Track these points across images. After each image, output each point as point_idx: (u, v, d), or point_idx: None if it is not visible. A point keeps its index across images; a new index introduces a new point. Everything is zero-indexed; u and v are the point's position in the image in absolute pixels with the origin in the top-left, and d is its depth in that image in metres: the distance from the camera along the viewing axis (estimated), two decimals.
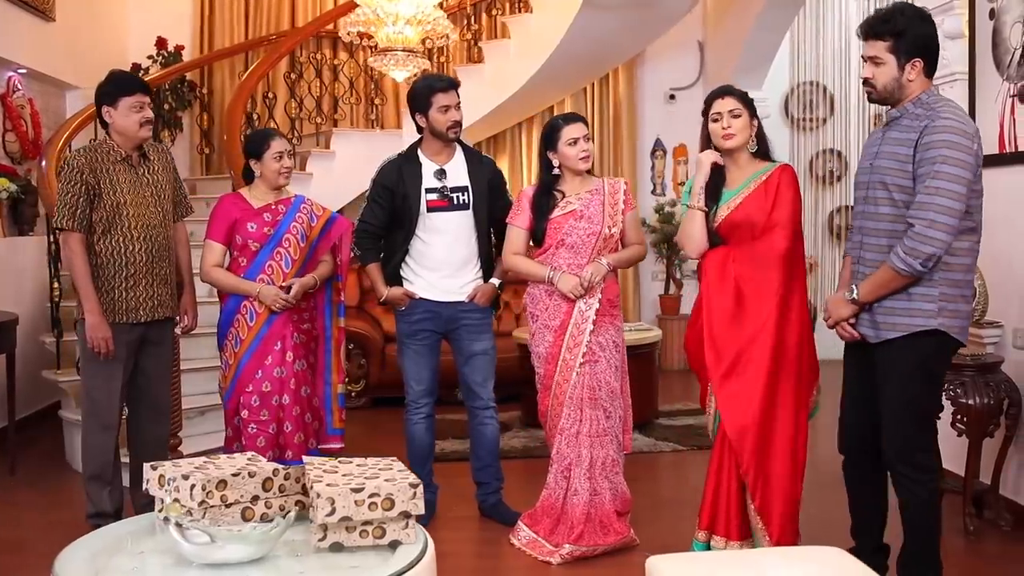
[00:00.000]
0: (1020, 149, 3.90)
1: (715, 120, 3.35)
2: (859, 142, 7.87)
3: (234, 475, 2.24)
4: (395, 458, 2.42)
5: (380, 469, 2.31)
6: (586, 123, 3.85)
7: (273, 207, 3.93)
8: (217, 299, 4.09)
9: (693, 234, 3.39)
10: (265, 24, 8.23)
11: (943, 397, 3.62)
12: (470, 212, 4.02)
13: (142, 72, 7.42)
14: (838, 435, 3.31)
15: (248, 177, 4.00)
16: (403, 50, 6.24)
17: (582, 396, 3.71)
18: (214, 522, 2.18)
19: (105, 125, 3.82)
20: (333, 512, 2.10)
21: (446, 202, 3.99)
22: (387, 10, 6.05)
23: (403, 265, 4.05)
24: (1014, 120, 3.93)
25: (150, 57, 7.77)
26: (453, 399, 4.89)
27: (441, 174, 4.00)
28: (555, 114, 5.81)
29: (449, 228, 4.00)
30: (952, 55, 4.24)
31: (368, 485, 2.14)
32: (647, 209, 8.01)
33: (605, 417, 3.74)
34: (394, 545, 2.16)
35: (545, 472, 3.85)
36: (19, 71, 6.25)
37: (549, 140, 3.80)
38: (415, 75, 6.30)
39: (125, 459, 4.03)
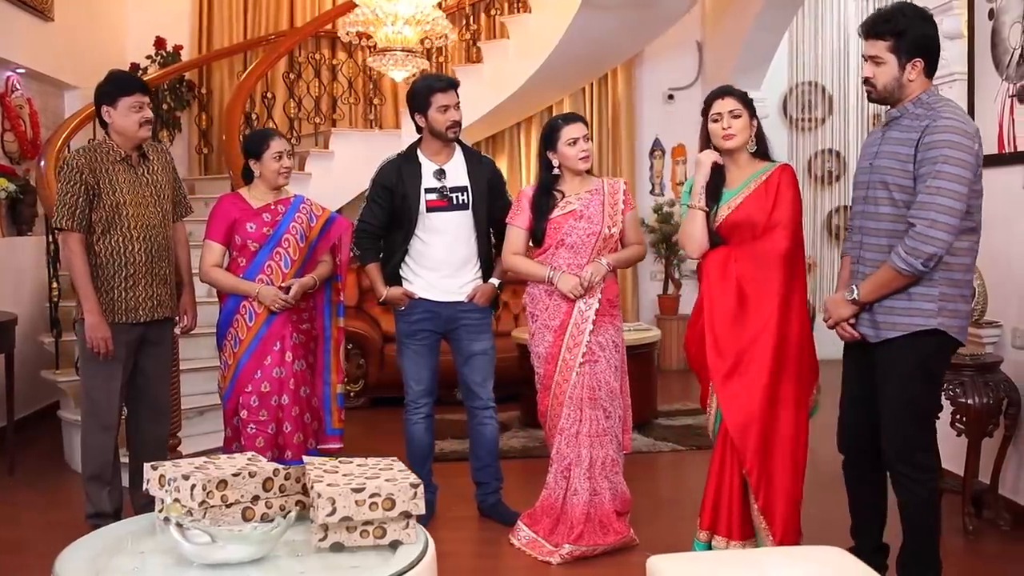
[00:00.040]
0: (1019, 149, 3.91)
1: (715, 120, 3.35)
2: (858, 142, 7.87)
3: (234, 475, 2.24)
4: (395, 458, 2.43)
5: (381, 469, 2.31)
6: (586, 123, 3.86)
7: (272, 207, 3.93)
8: (216, 299, 4.08)
9: (694, 234, 3.38)
10: (264, 24, 8.23)
11: (942, 397, 3.62)
12: (469, 212, 4.02)
13: (140, 72, 7.41)
14: (837, 435, 3.31)
15: (247, 177, 4.00)
16: (402, 50, 6.24)
17: (582, 396, 3.71)
18: (215, 522, 2.18)
19: (104, 125, 3.82)
20: (334, 512, 2.10)
21: (445, 202, 3.99)
22: (386, 10, 6.05)
23: (402, 265, 4.05)
24: (1013, 120, 3.94)
25: (149, 57, 7.77)
26: (452, 399, 4.89)
27: (440, 174, 4.00)
28: (554, 114, 5.82)
29: (448, 228, 4.00)
30: (951, 55, 4.24)
31: (369, 485, 2.14)
32: (645, 209, 8.01)
33: (605, 417, 3.74)
34: (395, 545, 2.16)
35: (544, 472, 3.85)
36: (18, 71, 6.24)
37: (549, 140, 3.80)
38: (414, 75, 6.30)
39: (124, 459, 4.02)
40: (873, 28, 3.00)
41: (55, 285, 5.19)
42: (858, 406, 3.21)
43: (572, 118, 3.83)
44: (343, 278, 4.14)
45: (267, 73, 7.14)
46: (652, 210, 8.11)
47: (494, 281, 4.08)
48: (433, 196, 3.98)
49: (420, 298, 4.02)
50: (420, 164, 4.01)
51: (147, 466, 2.35)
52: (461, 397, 4.23)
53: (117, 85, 3.78)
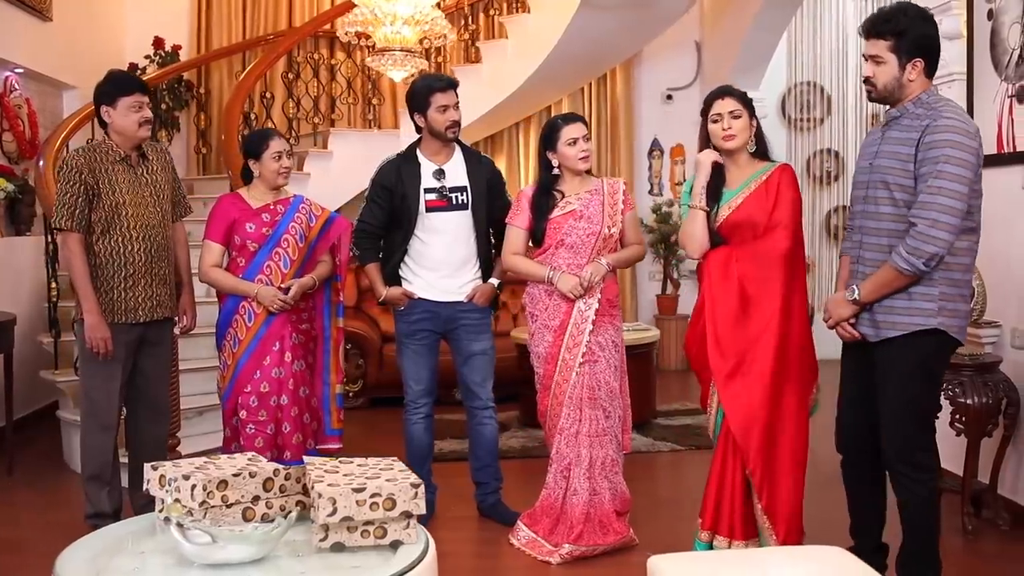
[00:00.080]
0: (1018, 149, 3.91)
1: (715, 121, 3.35)
2: (856, 142, 7.88)
3: (235, 475, 2.24)
4: (396, 458, 2.43)
5: (381, 469, 2.31)
6: (586, 123, 3.86)
7: (272, 207, 3.93)
8: (216, 299, 4.08)
9: (695, 234, 3.38)
10: (263, 24, 8.22)
11: (941, 397, 3.63)
12: (469, 212, 4.02)
13: (139, 72, 7.40)
14: (835, 435, 3.31)
15: (247, 177, 3.99)
16: (401, 50, 6.24)
17: (581, 396, 3.71)
18: (215, 522, 2.18)
19: (104, 125, 3.82)
20: (335, 512, 2.10)
21: (445, 202, 3.99)
22: (385, 10, 6.05)
23: (402, 265, 4.05)
24: (1012, 120, 3.94)
25: (147, 57, 7.76)
26: (452, 399, 4.89)
27: (440, 174, 4.00)
28: (553, 114, 5.82)
29: (448, 228, 4.00)
30: (950, 55, 4.24)
31: (369, 485, 2.14)
32: (644, 209, 8.00)
33: (604, 417, 3.74)
34: (395, 545, 2.16)
35: (543, 472, 3.85)
36: (16, 71, 6.23)
37: (548, 140, 3.81)
38: (413, 75, 6.29)
39: (124, 459, 4.02)
40: (874, 27, 3.00)
41: (54, 285, 5.19)
42: (856, 406, 3.21)
43: (572, 118, 3.83)
44: (342, 278, 4.13)
45: (266, 73, 7.13)
46: (651, 210, 8.11)
47: (493, 281, 4.08)
48: (432, 196, 3.98)
49: (419, 298, 4.01)
50: (419, 164, 4.01)
51: (147, 466, 2.35)
52: (460, 397, 4.22)
53: (116, 85, 3.78)
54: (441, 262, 4.01)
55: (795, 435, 3.26)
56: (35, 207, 5.97)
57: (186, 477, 2.21)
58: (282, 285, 3.85)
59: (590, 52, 7.09)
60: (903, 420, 3.00)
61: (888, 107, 3.10)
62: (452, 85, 4.01)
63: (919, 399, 3.03)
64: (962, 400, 3.84)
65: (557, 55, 6.76)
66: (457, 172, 4.04)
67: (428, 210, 3.97)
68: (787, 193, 3.28)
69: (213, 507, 2.20)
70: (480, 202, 4.04)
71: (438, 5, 6.40)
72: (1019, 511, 3.96)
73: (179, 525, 2.09)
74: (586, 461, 3.71)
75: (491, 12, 7.89)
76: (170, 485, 2.25)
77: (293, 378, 3.89)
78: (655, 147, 8.46)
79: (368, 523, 2.14)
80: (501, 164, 7.90)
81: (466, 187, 4.02)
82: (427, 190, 3.98)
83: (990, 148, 3.93)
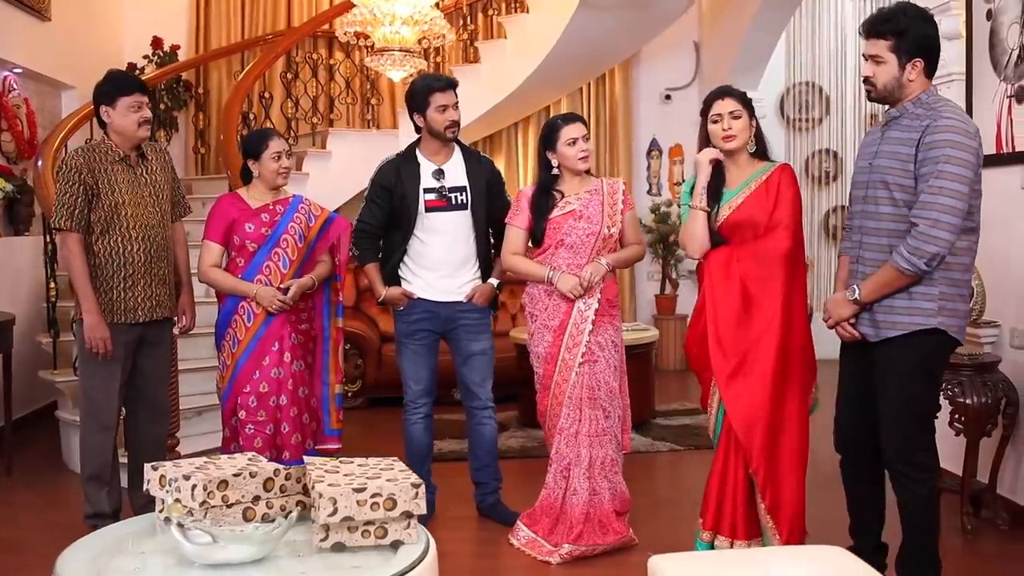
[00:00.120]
0: (1017, 149, 3.92)
1: (715, 121, 3.35)
2: (855, 142, 7.88)
3: (235, 475, 2.24)
4: (396, 458, 2.42)
5: (382, 469, 2.31)
6: (585, 123, 3.86)
7: (271, 207, 3.92)
8: (215, 299, 4.08)
9: (696, 234, 3.38)
10: (261, 24, 8.22)
11: (941, 397, 3.63)
12: (468, 212, 4.02)
13: (138, 72, 7.39)
14: (834, 434, 3.31)
15: (246, 177, 3.99)
16: (400, 50, 6.25)
17: (581, 396, 3.71)
18: (215, 522, 2.18)
19: (103, 125, 3.82)
20: (335, 512, 2.10)
21: (444, 202, 3.99)
22: (384, 10, 6.05)
23: (401, 265, 4.05)
24: (1011, 120, 3.94)
25: (146, 57, 7.76)
26: (451, 399, 4.89)
27: (439, 174, 4.00)
28: (552, 114, 5.82)
29: (447, 228, 4.00)
30: (949, 55, 4.24)
31: (370, 485, 2.14)
32: (643, 209, 8.00)
33: (604, 417, 3.74)
34: (396, 545, 2.16)
35: (543, 472, 3.85)
36: (15, 71, 6.23)
37: (548, 140, 3.81)
38: (411, 75, 6.29)
39: (123, 459, 4.02)
40: (874, 27, 3.00)
41: (53, 285, 5.18)
42: (855, 406, 3.21)
43: (571, 118, 3.83)
44: (342, 278, 4.13)
45: (264, 73, 7.14)
46: (649, 210, 8.11)
47: (493, 281, 4.08)
48: (432, 196, 3.98)
49: (419, 298, 4.01)
50: (419, 164, 4.01)
51: (148, 466, 2.35)
52: (460, 397, 4.22)
53: (116, 85, 3.78)
54: (440, 262, 4.01)
55: (797, 434, 3.27)
56: (34, 207, 5.96)
57: (187, 477, 2.21)
58: (281, 285, 3.84)
59: (589, 52, 7.09)
60: (903, 420, 3.01)
61: (887, 107, 3.10)
62: (451, 85, 4.01)
63: (919, 399, 3.03)
64: (961, 400, 3.84)
65: (556, 55, 6.76)
66: (456, 172, 4.04)
67: (427, 210, 3.97)
68: (787, 193, 3.29)
69: (213, 507, 2.19)
70: (479, 202, 4.03)
71: (437, 5, 6.41)
72: (1018, 511, 3.96)
73: (180, 525, 2.08)
74: (586, 461, 3.71)
75: (490, 12, 7.89)
76: (170, 485, 2.24)
77: (292, 378, 3.89)
78: (654, 147, 8.46)
79: (369, 523, 2.14)
80: (500, 164, 7.88)
81: (465, 187, 4.02)
82: (426, 190, 3.98)
83: (989, 148, 3.93)
